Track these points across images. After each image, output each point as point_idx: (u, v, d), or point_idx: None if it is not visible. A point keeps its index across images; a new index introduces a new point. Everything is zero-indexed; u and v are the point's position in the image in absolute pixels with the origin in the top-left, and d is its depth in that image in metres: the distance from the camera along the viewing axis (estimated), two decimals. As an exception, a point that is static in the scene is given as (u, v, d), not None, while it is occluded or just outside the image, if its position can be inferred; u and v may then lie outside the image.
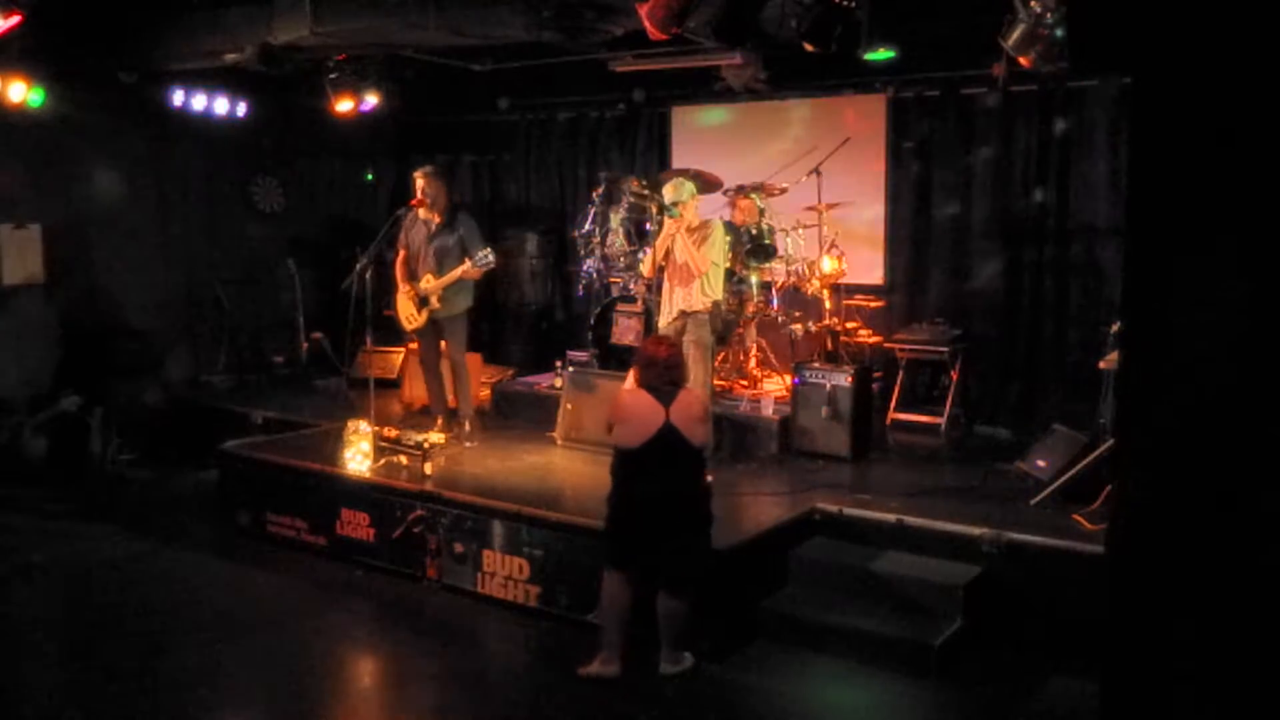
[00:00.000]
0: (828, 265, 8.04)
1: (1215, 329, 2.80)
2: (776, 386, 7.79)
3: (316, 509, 6.66)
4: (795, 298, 8.30)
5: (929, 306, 8.54)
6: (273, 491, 6.91)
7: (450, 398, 7.67)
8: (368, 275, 6.96)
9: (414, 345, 8.48)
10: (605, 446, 5.23)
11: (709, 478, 6.35)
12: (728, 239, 7.17)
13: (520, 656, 5.54)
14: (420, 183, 7.26)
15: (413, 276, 7.37)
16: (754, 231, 7.82)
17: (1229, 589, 2.83)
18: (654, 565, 4.91)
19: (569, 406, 7.49)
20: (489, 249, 7.22)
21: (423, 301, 7.30)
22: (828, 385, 7.06)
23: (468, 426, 7.54)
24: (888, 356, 8.26)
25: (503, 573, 5.86)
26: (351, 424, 6.99)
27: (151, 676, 4.96)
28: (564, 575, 5.62)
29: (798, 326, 7.97)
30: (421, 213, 7.32)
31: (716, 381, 7.65)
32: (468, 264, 7.15)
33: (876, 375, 8.00)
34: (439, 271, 7.22)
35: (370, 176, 11.14)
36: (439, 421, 7.57)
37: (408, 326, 7.53)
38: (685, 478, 4.92)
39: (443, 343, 7.51)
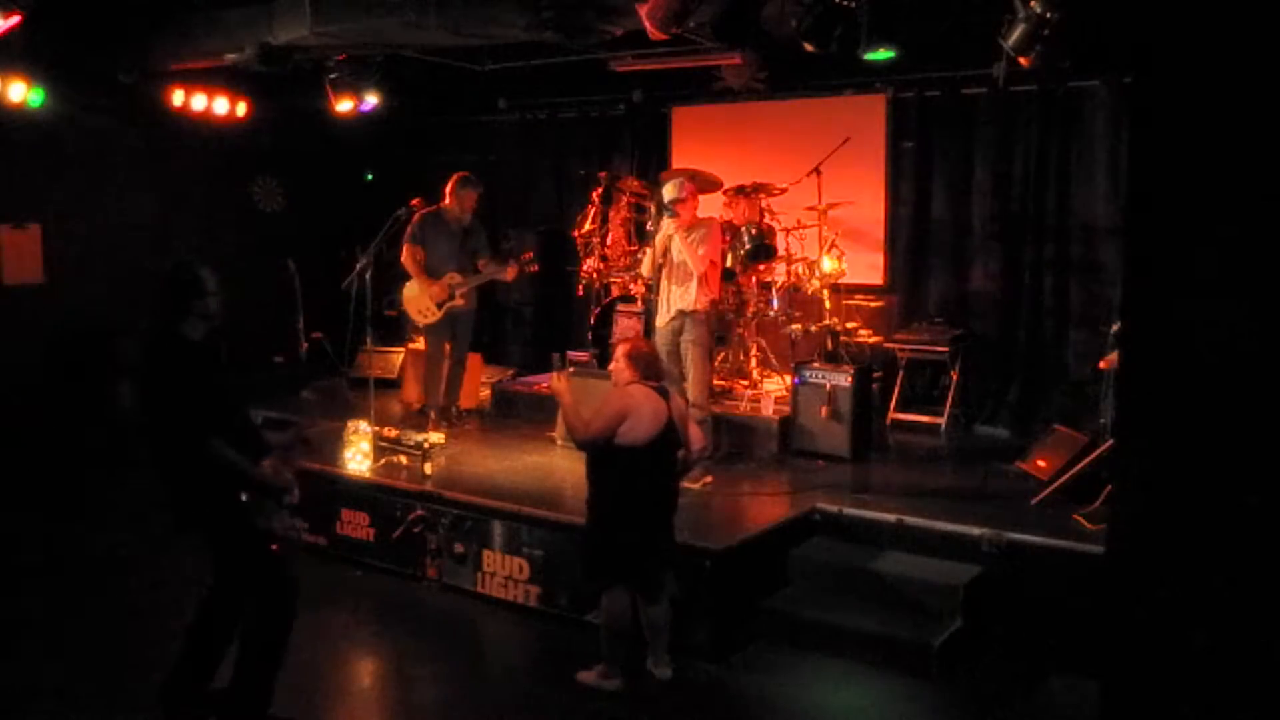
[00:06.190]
0: (828, 265, 8.03)
1: (1214, 328, 2.80)
2: (776, 386, 7.79)
3: (316, 509, 6.64)
4: (795, 298, 8.30)
5: (929, 306, 8.54)
6: (273, 491, 6.90)
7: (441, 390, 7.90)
8: (368, 275, 6.98)
9: (413, 345, 8.50)
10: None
11: (709, 479, 6.41)
12: (726, 238, 7.16)
13: (520, 656, 5.54)
14: (463, 190, 7.62)
15: (433, 275, 7.58)
16: (753, 232, 7.81)
17: (1229, 588, 2.83)
18: (645, 570, 4.84)
19: (569, 406, 7.49)
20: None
21: (449, 297, 7.59)
22: (828, 385, 7.06)
23: (454, 412, 7.90)
24: (888, 356, 8.26)
25: (503, 573, 5.86)
26: (351, 424, 6.98)
27: (152, 676, 4.95)
28: (564, 575, 5.62)
29: (798, 326, 7.97)
30: (449, 215, 7.64)
31: (716, 381, 7.65)
32: (510, 266, 7.77)
33: (876, 375, 7.99)
34: (466, 272, 7.60)
35: (370, 176, 11.13)
36: (432, 415, 7.70)
37: (421, 321, 7.75)
38: (674, 477, 4.92)
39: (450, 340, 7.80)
